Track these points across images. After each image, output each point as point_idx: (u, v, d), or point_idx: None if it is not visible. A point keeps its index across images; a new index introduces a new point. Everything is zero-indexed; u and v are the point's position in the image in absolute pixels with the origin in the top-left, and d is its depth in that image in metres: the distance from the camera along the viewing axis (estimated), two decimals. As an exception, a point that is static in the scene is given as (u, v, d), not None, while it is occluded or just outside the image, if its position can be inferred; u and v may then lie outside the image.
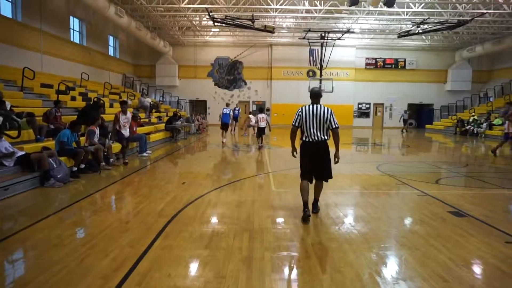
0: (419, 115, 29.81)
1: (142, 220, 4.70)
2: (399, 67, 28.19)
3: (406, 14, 18.93)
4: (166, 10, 19.75)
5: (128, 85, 23.67)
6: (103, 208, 5.53)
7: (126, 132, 9.97)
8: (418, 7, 17.93)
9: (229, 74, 28.27)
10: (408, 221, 5.03)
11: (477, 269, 3.45)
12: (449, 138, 20.79)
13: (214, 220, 4.93)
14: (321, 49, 24.31)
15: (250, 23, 18.16)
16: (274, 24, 20.78)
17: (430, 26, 19.74)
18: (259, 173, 8.43)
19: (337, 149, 4.77)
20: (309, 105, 4.79)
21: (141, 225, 4.50)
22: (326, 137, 4.75)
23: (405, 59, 28.19)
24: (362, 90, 28.23)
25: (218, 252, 3.68)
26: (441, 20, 19.15)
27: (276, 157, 12.18)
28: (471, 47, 26.13)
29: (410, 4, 17.88)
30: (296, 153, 4.99)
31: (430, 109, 28.92)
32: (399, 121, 25.78)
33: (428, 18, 18.92)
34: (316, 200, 5.12)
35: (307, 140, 4.77)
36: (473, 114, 22.72)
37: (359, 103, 28.81)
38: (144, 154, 10.75)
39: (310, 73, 27.00)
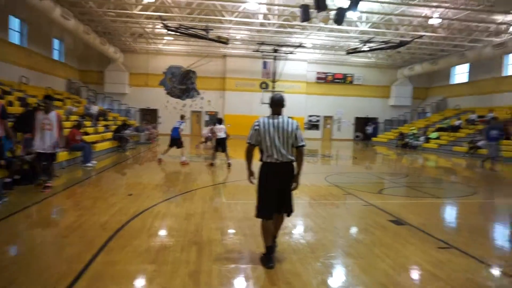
0: (365, 128, 31.36)
1: (82, 235, 4.43)
2: (348, 82, 29.56)
3: (354, 32, 19.98)
4: (117, 15, 19.12)
5: (73, 91, 22.44)
6: (39, 222, 5.15)
7: (43, 142, 6.63)
8: (365, 26, 19.02)
9: (182, 83, 27.89)
10: (353, 230, 5.23)
11: (413, 275, 3.65)
12: (391, 150, 22.07)
13: (161, 233, 4.77)
14: (274, 62, 24.90)
15: (204, 33, 18.13)
16: (228, 35, 20.92)
17: (375, 44, 21.01)
18: (210, 184, 8.34)
19: (298, 173, 3.78)
20: (268, 117, 3.79)
21: (82, 240, 4.23)
22: (291, 157, 3.71)
23: (353, 75, 29.65)
24: (313, 103, 29.18)
25: (165, 266, 3.57)
26: (385, 39, 20.46)
27: (227, 168, 12.13)
28: (411, 65, 28.13)
29: (358, 23, 18.91)
30: (254, 178, 3.94)
31: (375, 122, 30.58)
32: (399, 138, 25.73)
33: (374, 37, 20.14)
34: (274, 236, 3.93)
35: (269, 161, 3.68)
36: (413, 128, 24.35)
37: (309, 116, 29.72)
38: (89, 164, 10.19)
39: (263, 85, 27.44)
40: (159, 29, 20.61)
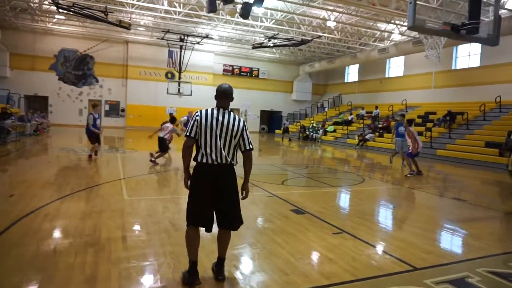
0: (270, 121, 32.73)
1: None
2: (254, 75, 30.40)
3: (260, 28, 20.56)
4: (-7, -15, 16.41)
5: None
6: None
7: None
8: (269, 23, 19.70)
9: (77, 69, 25.33)
10: (257, 221, 5.42)
11: (311, 260, 3.95)
12: (293, 142, 23.46)
13: (51, 237, 4.29)
14: (180, 52, 24.25)
15: (103, 15, 16.71)
16: (130, 20, 19.63)
17: (279, 41, 21.96)
18: (109, 180, 7.78)
19: (246, 180, 3.35)
20: (212, 109, 3.23)
21: None
22: (233, 161, 3.22)
23: (258, 69, 30.59)
24: (220, 95, 29.29)
25: (55, 273, 3.22)
26: (288, 37, 21.54)
27: (129, 162, 11.49)
28: (311, 63, 30.19)
29: (263, 19, 19.49)
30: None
31: (279, 116, 32.10)
32: (281, 130, 26.47)
33: (278, 33, 21.03)
34: (221, 260, 3.33)
35: (204, 161, 3.13)
36: (312, 122, 26.25)
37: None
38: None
39: (169, 75, 26.55)
40: (48, 5, 18.31)
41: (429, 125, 18.58)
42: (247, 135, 3.25)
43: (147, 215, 5.19)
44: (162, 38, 22.87)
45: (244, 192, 3.37)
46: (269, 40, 21.92)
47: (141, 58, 26.29)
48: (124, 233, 4.42)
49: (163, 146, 10.59)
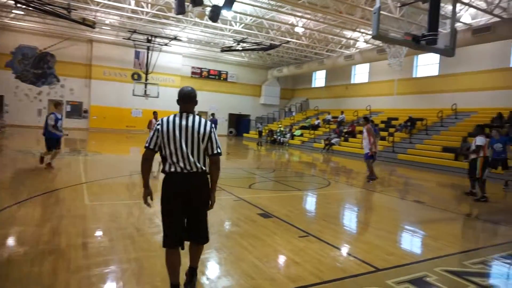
0: (238, 125, 32.74)
1: None
2: (222, 78, 30.31)
3: (229, 31, 20.56)
4: None
5: None
6: None
7: None
8: (238, 27, 19.74)
9: (36, 67, 24.12)
10: (224, 225, 5.39)
11: (277, 263, 3.97)
12: (262, 146, 23.58)
13: (5, 244, 4.04)
14: (148, 53, 23.76)
15: (66, 12, 16.06)
16: (95, 18, 19.00)
17: (248, 45, 22.06)
18: (70, 185, 7.45)
19: (213, 188, 3.08)
20: (174, 115, 2.99)
21: None
22: (202, 166, 2.96)
23: (227, 72, 30.54)
24: (188, 98, 28.96)
25: (6, 285, 3.03)
26: (257, 41, 21.69)
27: (92, 165, 11.08)
28: (280, 67, 30.55)
29: (232, 22, 19.51)
30: (151, 198, 3.06)
31: (247, 119, 32.16)
32: (256, 133, 26.10)
33: (247, 37, 21.12)
34: (193, 270, 3.17)
35: (173, 170, 2.89)
36: (280, 126, 26.52)
37: (185, 110, 29.45)
38: None
39: (135, 76, 25.90)
40: None
41: (391, 130, 19.31)
42: (215, 138, 3.01)
43: (110, 221, 5.02)
44: (129, 38, 22.31)
45: (210, 201, 3.08)
46: (238, 44, 21.98)
47: (106, 58, 25.49)
48: (85, 240, 4.24)
49: None
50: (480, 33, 15.12)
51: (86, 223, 4.90)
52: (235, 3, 12.65)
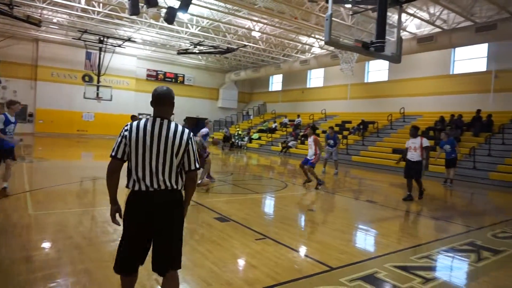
0: (196, 128, 32.30)
1: None
2: (179, 82, 29.81)
3: (185, 34, 20.29)
4: None
5: None
6: None
7: None
8: (195, 29, 19.55)
9: (-26, 66, 22.29)
10: (180, 231, 5.28)
11: (234, 268, 3.95)
12: (219, 149, 23.48)
13: None
14: (100, 54, 22.82)
15: (7, 8, 14.99)
16: (41, 16, 17.94)
17: (205, 48, 21.91)
18: (12, 194, 6.93)
19: (187, 203, 2.69)
20: (146, 120, 2.54)
21: None
22: (175, 184, 2.51)
23: (184, 75, 30.10)
24: (143, 101, 28.06)
25: None
26: (214, 44, 21.61)
27: (38, 172, 10.42)
28: (237, 71, 30.64)
29: (189, 25, 19.28)
30: (120, 215, 2.61)
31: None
32: (222, 139, 25.52)
33: (204, 40, 20.97)
34: None
35: (137, 188, 2.45)
36: (238, 129, 26.57)
37: (139, 114, 28.56)
38: None
39: (87, 78, 24.77)
40: None
41: (345, 133, 20.05)
42: (193, 151, 2.57)
43: (57, 231, 4.74)
44: (79, 39, 21.27)
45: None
46: (194, 47, 21.75)
47: (54, 59, 24.13)
48: (29, 253, 3.96)
49: None
50: (424, 42, 16.17)
51: (30, 235, 4.59)
52: (191, 5, 12.53)
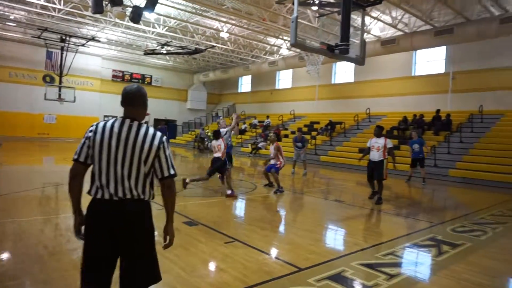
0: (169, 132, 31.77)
1: None
2: (146, 82, 29.13)
3: (152, 34, 19.89)
4: None
5: None
6: None
7: None
8: (162, 29, 19.21)
9: None
10: (148, 236, 5.15)
11: (202, 272, 3.90)
12: (189, 152, 23.18)
13: None
14: (62, 54, 21.90)
15: (-42, 5, 14.10)
16: (-4, 13, 17.01)
17: (172, 48, 21.57)
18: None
19: (170, 219, 2.49)
20: (114, 121, 2.30)
21: None
22: (141, 193, 2.29)
23: (151, 76, 29.49)
24: (109, 102, 27.26)
25: None
26: (182, 45, 21.32)
27: (2, 177, 9.85)
28: (206, 72, 30.39)
29: (156, 25, 18.91)
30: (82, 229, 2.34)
31: (174, 124, 31.40)
32: (196, 140, 25.28)
33: (171, 41, 20.64)
34: None
35: (99, 196, 2.20)
36: (208, 131, 26.35)
37: (105, 116, 27.68)
38: None
39: (48, 79, 23.67)
40: None
41: (313, 133, 20.38)
42: (166, 156, 2.30)
43: (16, 240, 4.49)
44: (39, 37, 20.32)
45: (168, 236, 2.50)
46: (162, 47, 21.37)
47: (11, 58, 22.93)
48: (-18, 265, 3.73)
49: None
50: (387, 45, 16.75)
51: (-16, 246, 4.32)
52: (158, 5, 12.28)
